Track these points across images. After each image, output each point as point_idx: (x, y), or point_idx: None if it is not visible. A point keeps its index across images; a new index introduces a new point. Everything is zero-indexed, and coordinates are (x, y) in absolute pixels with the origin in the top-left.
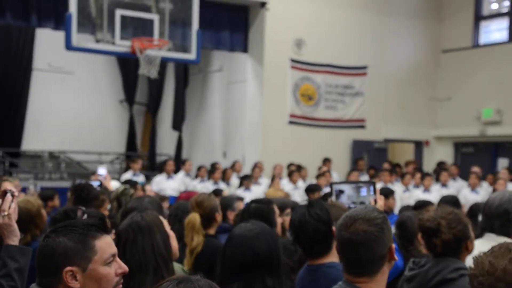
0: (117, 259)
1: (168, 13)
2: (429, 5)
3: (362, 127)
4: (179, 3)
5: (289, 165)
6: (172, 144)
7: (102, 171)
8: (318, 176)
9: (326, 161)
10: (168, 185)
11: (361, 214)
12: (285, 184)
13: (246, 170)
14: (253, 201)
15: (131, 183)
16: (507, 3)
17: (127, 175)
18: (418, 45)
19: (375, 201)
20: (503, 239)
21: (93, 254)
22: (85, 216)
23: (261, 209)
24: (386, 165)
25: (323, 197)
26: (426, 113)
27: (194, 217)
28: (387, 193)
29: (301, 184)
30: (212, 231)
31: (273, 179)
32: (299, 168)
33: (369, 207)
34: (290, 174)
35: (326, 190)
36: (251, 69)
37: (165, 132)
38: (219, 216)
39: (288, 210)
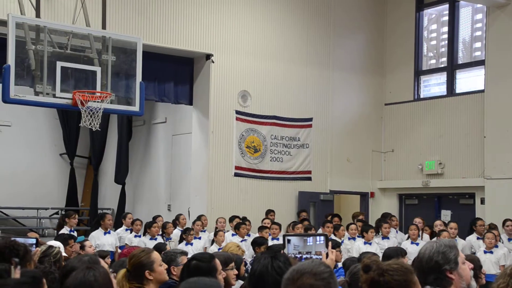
0: None
1: (110, 65)
2: (371, 60)
3: (308, 179)
4: (122, 55)
5: (233, 218)
6: (115, 198)
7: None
8: (260, 228)
9: (270, 212)
10: (105, 240)
11: (308, 268)
12: (229, 238)
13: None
14: (193, 258)
15: (62, 239)
16: (444, 59)
17: (63, 232)
18: (361, 99)
19: (327, 255)
20: None
21: None
22: (18, 268)
23: (201, 267)
24: (336, 219)
25: (268, 249)
26: (371, 165)
27: (120, 273)
28: (334, 246)
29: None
30: (151, 287)
31: (216, 233)
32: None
33: (316, 261)
34: (237, 227)
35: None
36: (196, 121)
37: (107, 185)
38: (152, 274)
39: (232, 264)
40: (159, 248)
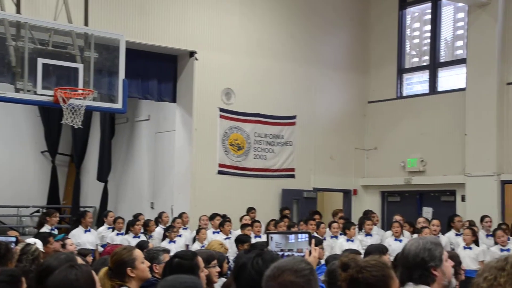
0: None
1: (93, 62)
2: (355, 58)
3: (292, 176)
4: (104, 52)
5: (214, 215)
6: (97, 196)
7: None
8: (243, 226)
9: (251, 209)
10: (86, 238)
11: (288, 265)
12: (210, 235)
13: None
14: (176, 255)
15: (41, 237)
16: (426, 57)
17: (43, 230)
18: (345, 96)
19: (310, 252)
20: None
21: None
22: None
23: (183, 265)
24: (317, 216)
25: (251, 247)
26: (354, 162)
27: (101, 271)
28: (317, 243)
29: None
30: (133, 285)
31: (198, 230)
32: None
33: (297, 258)
34: (221, 224)
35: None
36: (180, 118)
37: (90, 183)
38: (133, 272)
39: (215, 262)
40: (141, 245)
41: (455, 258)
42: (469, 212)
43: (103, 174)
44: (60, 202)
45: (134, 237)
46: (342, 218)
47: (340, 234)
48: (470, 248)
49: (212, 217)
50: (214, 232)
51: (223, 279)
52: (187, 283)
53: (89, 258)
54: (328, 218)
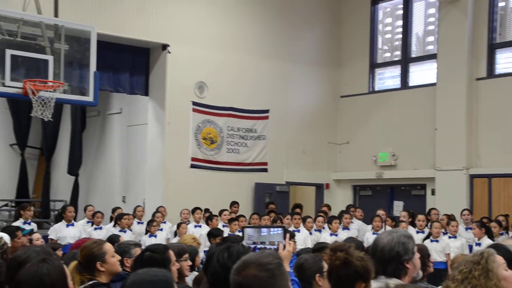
0: None
1: (63, 54)
2: (327, 52)
3: (265, 170)
4: (75, 44)
5: (195, 209)
6: (68, 189)
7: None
8: (230, 220)
9: (234, 204)
10: (67, 232)
11: (254, 258)
12: (191, 229)
13: (147, 215)
14: (147, 249)
15: (8, 231)
16: (398, 52)
17: (17, 224)
18: (318, 91)
19: (284, 246)
20: (394, 281)
21: None
22: None
23: (154, 258)
24: (297, 210)
25: (223, 240)
26: (326, 156)
27: (71, 265)
28: (289, 236)
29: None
30: (103, 279)
31: (178, 225)
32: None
33: (266, 252)
34: (210, 218)
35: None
36: (152, 111)
37: (60, 177)
38: (103, 266)
39: (186, 256)
40: (112, 239)
41: (423, 251)
42: (439, 205)
43: (73, 167)
44: (29, 195)
45: (120, 231)
46: (321, 212)
47: (324, 228)
48: (437, 241)
49: (193, 210)
50: (196, 226)
51: (195, 273)
52: (158, 277)
53: (59, 252)
54: (304, 212)
